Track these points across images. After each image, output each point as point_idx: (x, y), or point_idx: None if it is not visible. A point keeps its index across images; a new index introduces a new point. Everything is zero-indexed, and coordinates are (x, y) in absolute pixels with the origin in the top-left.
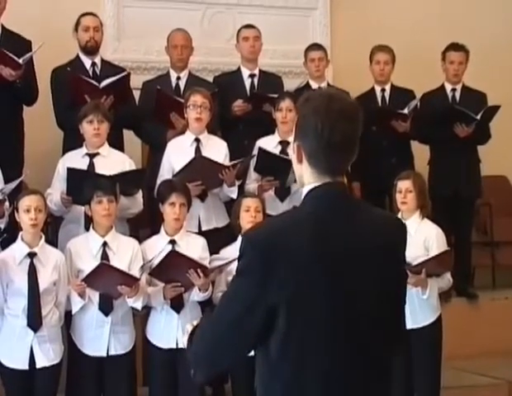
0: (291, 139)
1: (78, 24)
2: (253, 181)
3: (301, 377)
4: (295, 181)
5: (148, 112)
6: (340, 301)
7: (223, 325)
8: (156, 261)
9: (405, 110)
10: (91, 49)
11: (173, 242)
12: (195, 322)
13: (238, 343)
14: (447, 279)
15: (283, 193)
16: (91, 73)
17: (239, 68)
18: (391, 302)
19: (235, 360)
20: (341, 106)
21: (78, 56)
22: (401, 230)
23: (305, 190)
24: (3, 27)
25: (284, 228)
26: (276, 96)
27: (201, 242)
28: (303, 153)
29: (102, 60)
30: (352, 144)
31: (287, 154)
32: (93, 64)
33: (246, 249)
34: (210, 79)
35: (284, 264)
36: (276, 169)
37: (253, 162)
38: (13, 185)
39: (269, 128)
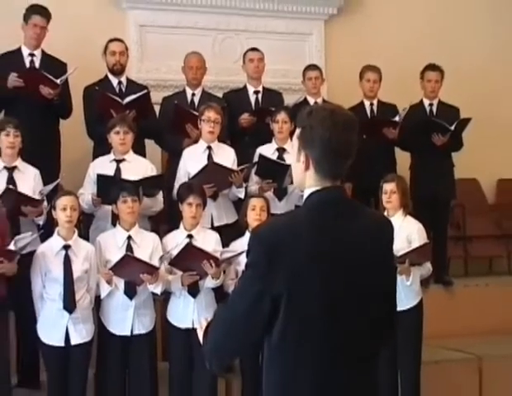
0: (286, 146)
1: (106, 48)
2: (254, 184)
3: (295, 365)
4: (291, 182)
5: (166, 124)
6: (335, 295)
7: (235, 316)
8: (175, 253)
9: (397, 118)
10: (117, 71)
11: (190, 236)
12: (209, 318)
13: (249, 332)
14: (427, 267)
15: (281, 193)
16: (117, 90)
17: (245, 86)
18: (382, 292)
19: (247, 347)
20: (344, 118)
21: (106, 76)
22: (390, 228)
23: (306, 193)
24: (43, 52)
25: (288, 226)
26: None
27: (215, 236)
28: (311, 162)
29: (128, 79)
30: (352, 151)
31: (284, 160)
32: (119, 83)
33: (253, 245)
34: (221, 95)
35: (287, 259)
36: (274, 173)
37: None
38: (51, 187)
39: (269, 137)
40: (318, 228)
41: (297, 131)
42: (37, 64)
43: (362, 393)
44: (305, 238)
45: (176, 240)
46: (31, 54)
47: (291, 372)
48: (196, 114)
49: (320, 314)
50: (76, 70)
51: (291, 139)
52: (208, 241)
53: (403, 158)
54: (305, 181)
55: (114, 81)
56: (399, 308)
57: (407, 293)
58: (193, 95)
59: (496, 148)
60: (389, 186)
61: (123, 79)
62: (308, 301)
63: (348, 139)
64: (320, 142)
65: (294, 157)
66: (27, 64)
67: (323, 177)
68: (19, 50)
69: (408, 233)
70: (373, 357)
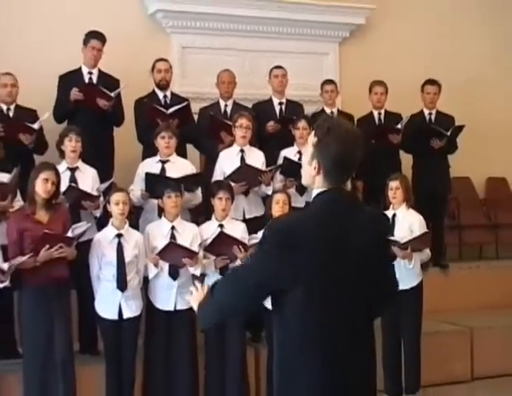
0: (305, 150)
1: (153, 67)
2: (279, 181)
3: (305, 328)
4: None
5: (203, 130)
6: (338, 278)
7: (246, 285)
8: (209, 240)
9: (399, 126)
10: (163, 86)
11: (221, 226)
12: (199, 288)
13: (254, 299)
14: (426, 253)
15: (302, 190)
16: (163, 102)
17: (270, 98)
18: (379, 271)
19: (250, 309)
20: (355, 139)
21: (154, 90)
22: (386, 222)
23: (315, 192)
24: (100, 70)
25: (299, 221)
26: None
27: (242, 226)
28: (322, 169)
29: (172, 93)
30: (357, 164)
31: None
32: (165, 96)
33: (268, 236)
34: (250, 106)
35: (296, 250)
36: (296, 172)
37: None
38: (106, 184)
39: (291, 142)
40: (325, 222)
41: (314, 140)
42: (95, 80)
43: (361, 361)
44: (313, 230)
45: (209, 230)
46: (90, 72)
47: (302, 329)
48: (229, 123)
49: (323, 296)
50: (127, 85)
51: None
52: (236, 230)
53: (406, 160)
54: (315, 182)
55: (160, 94)
56: (402, 288)
57: (409, 274)
58: (226, 106)
59: (486, 151)
60: (394, 184)
61: (168, 93)
62: (314, 283)
63: (356, 155)
64: (334, 157)
65: (306, 159)
66: (86, 80)
67: (330, 183)
68: (79, 69)
69: (410, 223)
70: (370, 328)
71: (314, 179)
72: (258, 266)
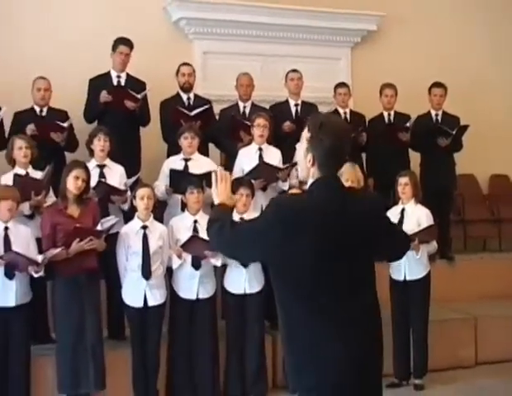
0: (298, 148)
1: (178, 71)
2: (294, 178)
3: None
4: None
5: (223, 130)
6: (334, 247)
7: (242, 242)
8: None
9: (408, 124)
10: (186, 89)
11: (242, 219)
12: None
13: (249, 255)
14: (433, 245)
15: None
16: (187, 104)
17: (287, 100)
18: (381, 238)
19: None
20: (344, 133)
21: (178, 93)
22: (379, 200)
23: (310, 181)
24: (127, 74)
25: (298, 204)
26: None
27: None
28: (316, 161)
29: (195, 95)
30: (346, 155)
31: None
32: (188, 98)
33: (270, 212)
34: (267, 107)
35: (295, 225)
36: None
37: None
38: (133, 180)
39: None
40: (320, 205)
41: (308, 135)
42: (123, 83)
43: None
44: (311, 213)
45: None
46: (118, 76)
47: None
48: (248, 123)
49: (320, 269)
50: (152, 88)
51: None
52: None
53: (415, 158)
54: (310, 174)
55: (184, 96)
56: (411, 278)
57: (418, 266)
58: (244, 107)
59: (489, 150)
60: (403, 180)
61: (191, 95)
62: (312, 256)
63: (346, 147)
64: (326, 150)
65: (301, 153)
66: (115, 83)
67: (325, 172)
68: (108, 73)
69: (418, 217)
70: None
71: (309, 171)
72: (259, 228)
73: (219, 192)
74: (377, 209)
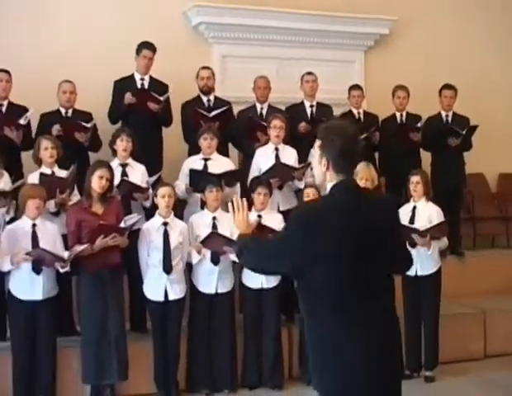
0: (312, 159)
1: (197, 74)
2: (309, 177)
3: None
4: None
5: (241, 131)
6: (355, 253)
7: (270, 254)
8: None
9: (419, 125)
10: (206, 91)
11: (259, 216)
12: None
13: (273, 268)
14: (444, 241)
15: None
16: (207, 106)
17: (302, 101)
18: (392, 240)
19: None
20: (353, 132)
21: (198, 95)
22: (393, 203)
23: (329, 185)
24: (151, 76)
25: (317, 208)
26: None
27: (280, 217)
28: (330, 164)
29: (215, 97)
30: (359, 154)
31: None
32: (208, 100)
33: (292, 221)
34: (284, 108)
35: (316, 231)
36: None
37: None
38: (154, 178)
39: None
40: (340, 205)
41: (318, 142)
42: (146, 86)
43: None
44: (332, 216)
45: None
46: (142, 78)
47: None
48: (265, 124)
49: (341, 271)
50: (174, 90)
51: None
52: (274, 220)
53: (426, 157)
54: (327, 178)
55: (204, 99)
56: (423, 273)
57: (429, 261)
58: (262, 108)
59: (498, 149)
60: (415, 179)
61: (211, 97)
62: (333, 259)
63: (356, 146)
64: (338, 150)
65: (316, 161)
66: (139, 86)
67: (340, 175)
68: (132, 76)
69: (429, 214)
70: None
71: (325, 175)
72: (284, 243)
73: (237, 223)
74: (392, 211)
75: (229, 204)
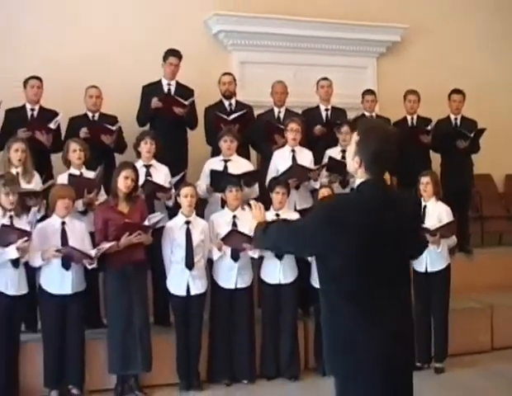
0: (348, 149)
1: (220, 80)
2: (324, 177)
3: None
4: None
5: (260, 133)
6: (376, 246)
7: (296, 238)
8: None
9: (429, 128)
10: (227, 96)
11: (277, 215)
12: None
13: (297, 251)
14: (453, 239)
15: (344, 184)
16: (229, 110)
17: (318, 105)
18: (412, 238)
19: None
20: (391, 137)
21: (221, 100)
22: (417, 202)
23: (358, 181)
24: (177, 82)
25: (345, 202)
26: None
27: (296, 216)
28: (363, 163)
29: (236, 101)
30: (393, 159)
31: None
32: (230, 104)
33: (319, 210)
34: (300, 112)
35: (340, 224)
36: (340, 169)
37: None
38: (177, 178)
39: (335, 142)
40: (366, 204)
41: (357, 138)
42: (172, 91)
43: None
44: (357, 211)
45: (268, 218)
46: (168, 84)
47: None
48: (282, 127)
49: (363, 262)
50: (198, 94)
51: None
52: (292, 218)
53: (436, 159)
54: (357, 174)
55: (226, 103)
56: (433, 269)
57: (439, 258)
58: (279, 112)
59: (505, 151)
60: (425, 179)
61: (233, 101)
62: (355, 251)
63: (392, 152)
64: (372, 154)
65: (350, 154)
66: (165, 91)
67: (370, 175)
68: (160, 81)
69: (438, 213)
70: (406, 284)
71: (357, 171)
72: (310, 229)
73: (255, 216)
74: (415, 206)
75: (246, 207)
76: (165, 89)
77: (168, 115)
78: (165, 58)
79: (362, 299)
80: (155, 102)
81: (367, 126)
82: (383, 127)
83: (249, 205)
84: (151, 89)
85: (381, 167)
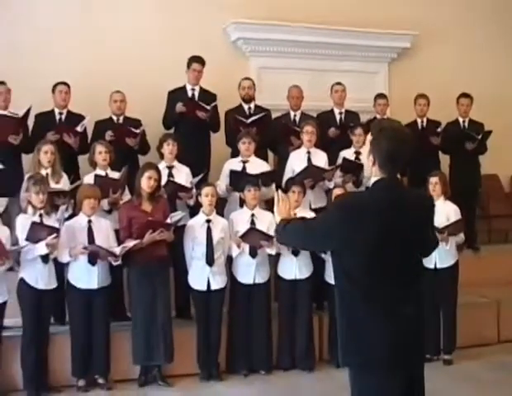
0: (361, 150)
1: (239, 85)
2: (338, 177)
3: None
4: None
5: (277, 136)
6: (390, 242)
7: (312, 235)
8: None
9: (438, 130)
10: (247, 100)
11: (294, 214)
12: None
13: (314, 247)
14: (460, 237)
15: (358, 184)
16: (248, 113)
17: (332, 109)
18: (423, 234)
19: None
20: (403, 136)
21: (240, 103)
22: (430, 201)
23: (373, 180)
24: (201, 87)
25: (359, 200)
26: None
27: (312, 214)
28: (376, 162)
29: (255, 105)
30: (405, 158)
31: (359, 160)
32: (249, 108)
33: (335, 207)
34: (315, 115)
35: (356, 221)
36: (353, 169)
37: None
38: (197, 179)
39: (349, 144)
40: (380, 202)
41: (370, 138)
42: (196, 96)
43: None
44: (370, 208)
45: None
46: (192, 89)
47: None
48: (298, 129)
49: (377, 258)
50: (219, 97)
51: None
52: (308, 217)
53: (444, 160)
54: (372, 172)
55: (245, 107)
56: (442, 266)
57: (447, 255)
58: (295, 115)
59: (511, 152)
60: (434, 179)
61: (252, 105)
62: (370, 247)
63: (404, 151)
64: (385, 153)
65: (366, 154)
66: (189, 96)
67: (384, 173)
68: (184, 87)
69: (447, 212)
70: (419, 280)
71: (371, 170)
72: (325, 227)
73: (280, 211)
74: (428, 206)
75: (275, 195)
76: (189, 94)
77: (191, 119)
78: (189, 64)
79: (375, 294)
80: (180, 107)
81: (380, 126)
82: (396, 127)
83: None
84: (176, 94)
85: (394, 166)
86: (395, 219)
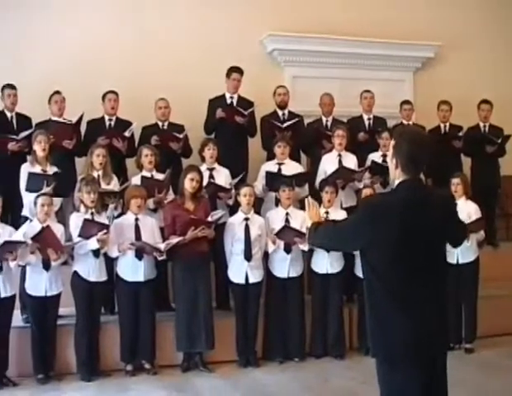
0: (388, 153)
1: (274, 92)
2: (367, 179)
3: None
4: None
5: (310, 140)
6: (415, 241)
7: (340, 236)
8: None
9: (460, 134)
10: (282, 106)
11: (327, 212)
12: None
13: (344, 247)
14: (481, 234)
15: (385, 184)
16: (282, 119)
17: (361, 115)
18: (448, 230)
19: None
20: (423, 140)
21: (275, 110)
22: (452, 200)
23: (396, 182)
24: (239, 95)
25: (384, 200)
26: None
27: (343, 213)
28: (399, 164)
29: (289, 111)
30: (426, 160)
31: (386, 162)
32: (283, 114)
33: (361, 208)
34: (345, 121)
35: (382, 220)
36: (381, 171)
37: None
38: (236, 180)
39: (376, 148)
40: (403, 202)
41: (393, 142)
42: (235, 103)
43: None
44: (395, 208)
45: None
46: (231, 97)
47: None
48: (329, 133)
49: (403, 256)
50: (258, 104)
51: None
52: (339, 215)
53: (466, 162)
54: (396, 175)
55: (280, 112)
56: (464, 261)
57: (469, 251)
58: (327, 121)
59: None
60: (456, 180)
61: (285, 111)
62: (396, 245)
63: (424, 153)
64: (406, 156)
65: (389, 158)
66: (228, 102)
67: (406, 175)
68: (223, 95)
69: (468, 211)
70: (443, 276)
71: (395, 173)
72: (352, 228)
73: (311, 215)
74: (450, 205)
75: (306, 201)
76: (228, 101)
77: (230, 124)
78: (228, 74)
79: (400, 291)
80: (219, 112)
81: (401, 131)
82: (415, 131)
83: (308, 202)
84: (216, 102)
85: (415, 168)
86: (419, 218)
